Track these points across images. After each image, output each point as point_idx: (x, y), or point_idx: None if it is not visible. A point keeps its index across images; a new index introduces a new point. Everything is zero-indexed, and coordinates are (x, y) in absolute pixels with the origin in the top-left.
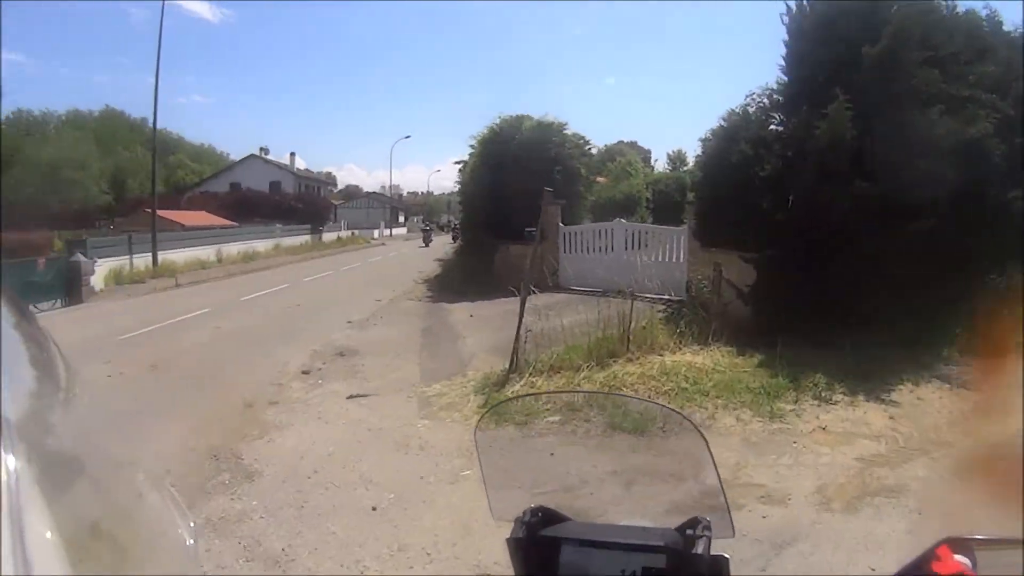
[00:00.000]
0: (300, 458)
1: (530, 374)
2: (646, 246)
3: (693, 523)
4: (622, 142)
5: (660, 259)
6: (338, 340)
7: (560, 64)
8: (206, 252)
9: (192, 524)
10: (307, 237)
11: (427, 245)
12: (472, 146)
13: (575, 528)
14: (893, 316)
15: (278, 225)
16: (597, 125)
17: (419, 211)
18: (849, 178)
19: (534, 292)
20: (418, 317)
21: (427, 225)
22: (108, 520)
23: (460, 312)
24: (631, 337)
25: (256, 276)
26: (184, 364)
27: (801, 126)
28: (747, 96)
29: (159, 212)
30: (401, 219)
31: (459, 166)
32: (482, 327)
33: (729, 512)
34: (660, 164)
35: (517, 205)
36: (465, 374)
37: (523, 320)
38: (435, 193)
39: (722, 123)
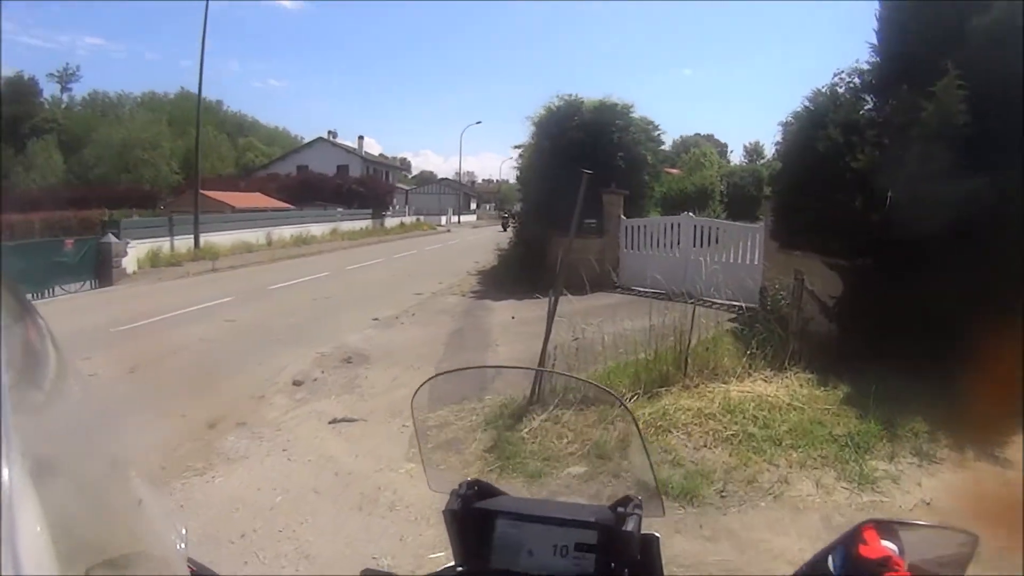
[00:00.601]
0: (234, 510)
1: (556, 405)
2: (717, 244)
3: (624, 501)
4: (698, 135)
5: (731, 260)
6: (352, 342)
7: (636, 53)
8: (255, 235)
9: (184, 531)
10: (368, 222)
11: (504, 230)
12: (533, 127)
13: (509, 502)
14: (1010, 343)
15: (339, 209)
16: (672, 117)
17: (491, 198)
18: (960, 171)
19: (565, 295)
20: (453, 317)
21: (505, 213)
22: (99, 520)
23: (502, 312)
24: (689, 359)
25: (300, 262)
26: (168, 366)
27: (900, 108)
28: (834, 75)
29: (208, 193)
30: (473, 206)
31: (518, 150)
32: (521, 333)
33: (660, 493)
34: (736, 157)
35: (574, 194)
36: (482, 398)
37: (550, 335)
38: (510, 181)
39: (807, 105)
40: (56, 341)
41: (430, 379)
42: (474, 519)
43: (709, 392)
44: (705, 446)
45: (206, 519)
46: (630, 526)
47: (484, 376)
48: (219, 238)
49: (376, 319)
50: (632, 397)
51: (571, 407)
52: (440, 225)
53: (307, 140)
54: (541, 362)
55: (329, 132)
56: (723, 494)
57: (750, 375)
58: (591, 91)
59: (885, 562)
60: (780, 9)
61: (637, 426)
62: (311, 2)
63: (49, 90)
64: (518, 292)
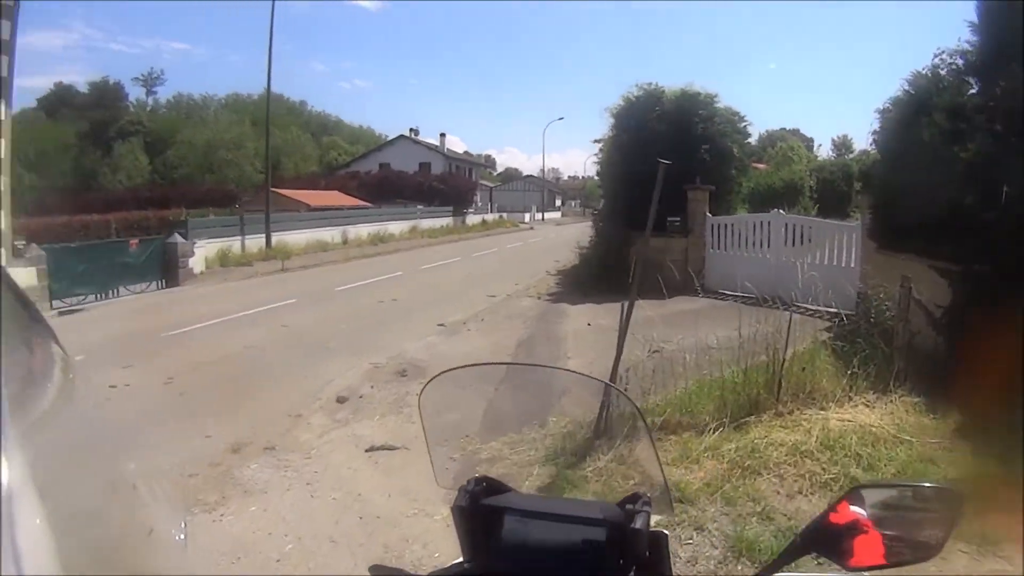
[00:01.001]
0: (235, 559)
1: (626, 435)
2: (809, 243)
3: (634, 498)
4: (783, 130)
5: (825, 261)
6: (411, 351)
7: (720, 48)
8: (331, 234)
9: (184, 524)
10: (448, 220)
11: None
12: (612, 119)
13: (517, 499)
14: None
15: (419, 207)
16: (757, 112)
17: (575, 195)
18: None
19: (641, 302)
20: (525, 323)
21: (595, 210)
22: (101, 514)
23: (578, 318)
24: (782, 381)
25: (374, 261)
26: (207, 377)
27: (1011, 92)
28: (935, 56)
29: (284, 192)
30: (557, 203)
31: (598, 144)
32: (596, 343)
33: (668, 490)
34: (823, 151)
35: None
36: (545, 422)
37: (623, 350)
38: (594, 177)
39: (907, 89)
40: (67, 360)
41: (436, 376)
42: (482, 516)
43: (805, 421)
44: (800, 492)
45: (201, 567)
46: (639, 523)
47: (548, 393)
48: (293, 237)
49: (442, 325)
50: (717, 428)
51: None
52: (523, 222)
53: (390, 138)
54: (612, 379)
55: (411, 130)
56: (819, 561)
57: (850, 399)
58: (673, 83)
59: (854, 525)
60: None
61: (644, 421)
62: (391, 2)
63: (134, 94)
64: (597, 294)
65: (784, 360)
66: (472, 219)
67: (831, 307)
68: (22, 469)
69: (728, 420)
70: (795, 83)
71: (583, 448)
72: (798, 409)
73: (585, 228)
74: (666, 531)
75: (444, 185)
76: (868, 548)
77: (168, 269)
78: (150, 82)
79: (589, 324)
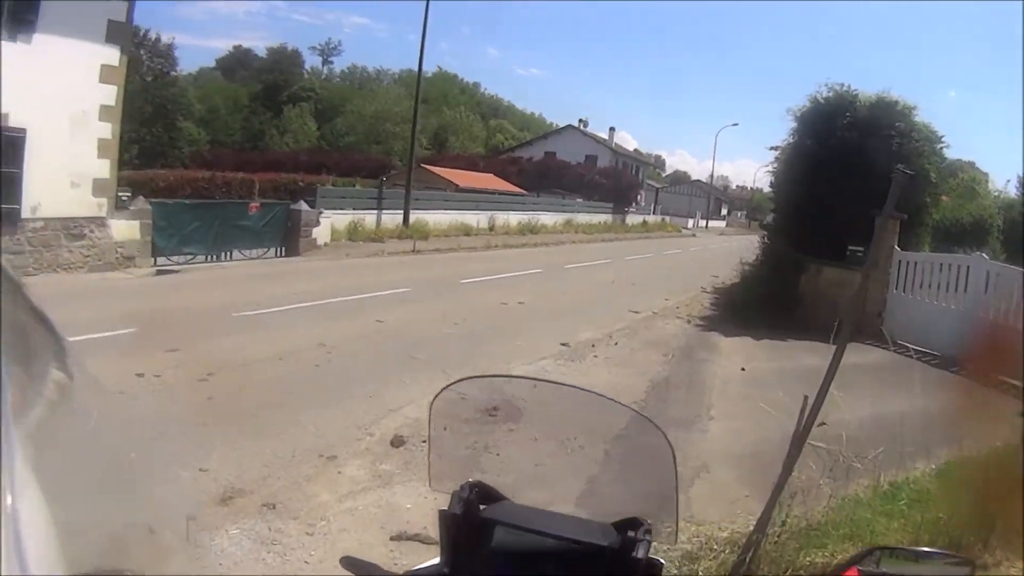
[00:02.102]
0: None
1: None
2: (1010, 297)
3: (634, 524)
4: (960, 160)
5: None
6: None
7: (901, 69)
8: (477, 218)
9: (189, 521)
10: (607, 216)
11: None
12: (795, 122)
13: (512, 510)
14: None
15: (578, 199)
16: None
17: (742, 206)
18: None
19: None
20: (665, 355)
21: (763, 223)
22: (105, 511)
23: (731, 356)
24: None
25: (517, 253)
26: (255, 379)
27: None
28: None
29: (434, 169)
30: (723, 211)
31: (775, 151)
32: (748, 398)
33: (677, 521)
34: (1011, 188)
35: (838, 211)
36: (660, 524)
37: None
38: (763, 190)
39: None
40: (54, 328)
41: (450, 385)
42: (473, 525)
43: None
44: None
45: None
46: (639, 553)
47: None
48: (435, 217)
49: (565, 344)
50: None
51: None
52: (685, 228)
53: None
54: (780, 487)
55: (580, 120)
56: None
57: None
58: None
59: None
60: None
61: (673, 454)
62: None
63: (311, 62)
64: (757, 327)
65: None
66: (633, 219)
67: None
68: (24, 466)
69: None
70: (973, 114)
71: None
72: (1010, 559)
73: (750, 242)
74: (663, 560)
75: (607, 180)
76: None
77: (289, 237)
78: (327, 52)
79: (743, 369)
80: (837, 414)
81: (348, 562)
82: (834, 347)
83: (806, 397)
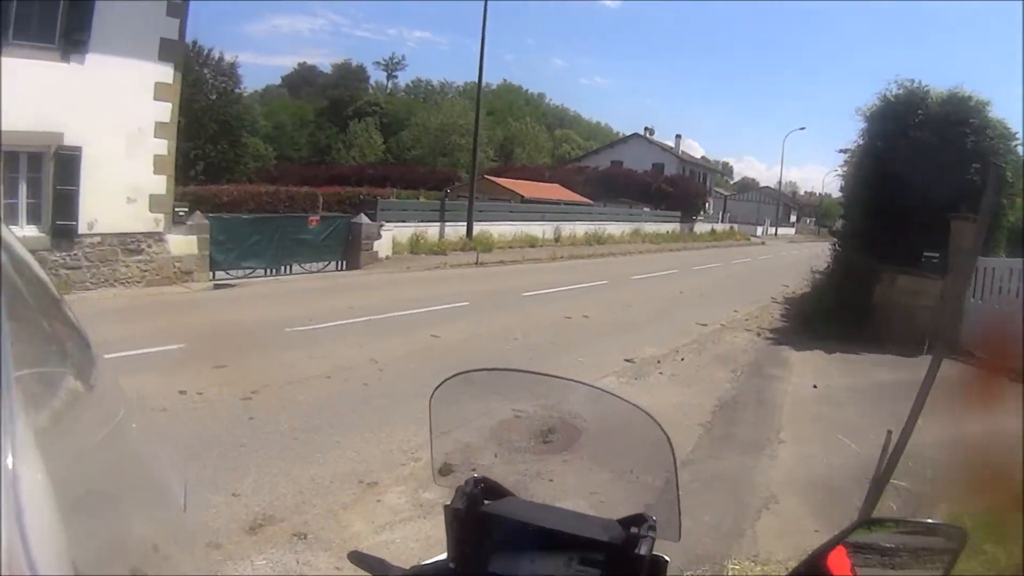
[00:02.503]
0: None
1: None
2: None
3: (638, 520)
4: None
5: None
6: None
7: (970, 63)
8: (543, 229)
9: (184, 488)
10: (674, 226)
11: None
12: (864, 123)
13: (516, 506)
14: None
15: (645, 209)
16: None
17: (811, 212)
18: None
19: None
20: (733, 372)
21: (833, 230)
22: (104, 479)
23: (802, 372)
24: None
25: (583, 264)
26: (301, 398)
27: None
28: None
29: (498, 180)
30: (792, 218)
31: (844, 154)
32: (821, 419)
33: (679, 516)
34: None
35: (912, 215)
36: (724, 570)
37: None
38: (832, 195)
39: None
40: (80, 327)
41: (451, 377)
42: (476, 520)
43: None
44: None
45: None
46: (642, 549)
47: (737, 503)
48: (499, 228)
49: (630, 360)
50: None
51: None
52: (754, 236)
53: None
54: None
55: (646, 128)
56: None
57: None
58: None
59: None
60: None
61: (671, 448)
62: (633, 2)
63: (375, 77)
64: (829, 339)
65: None
66: (701, 227)
67: None
68: (31, 454)
69: None
70: None
71: None
72: None
73: (820, 249)
74: (667, 558)
75: (674, 188)
76: None
77: (350, 250)
78: (391, 67)
79: (815, 387)
80: (916, 436)
81: (356, 557)
82: (915, 361)
83: (889, 432)
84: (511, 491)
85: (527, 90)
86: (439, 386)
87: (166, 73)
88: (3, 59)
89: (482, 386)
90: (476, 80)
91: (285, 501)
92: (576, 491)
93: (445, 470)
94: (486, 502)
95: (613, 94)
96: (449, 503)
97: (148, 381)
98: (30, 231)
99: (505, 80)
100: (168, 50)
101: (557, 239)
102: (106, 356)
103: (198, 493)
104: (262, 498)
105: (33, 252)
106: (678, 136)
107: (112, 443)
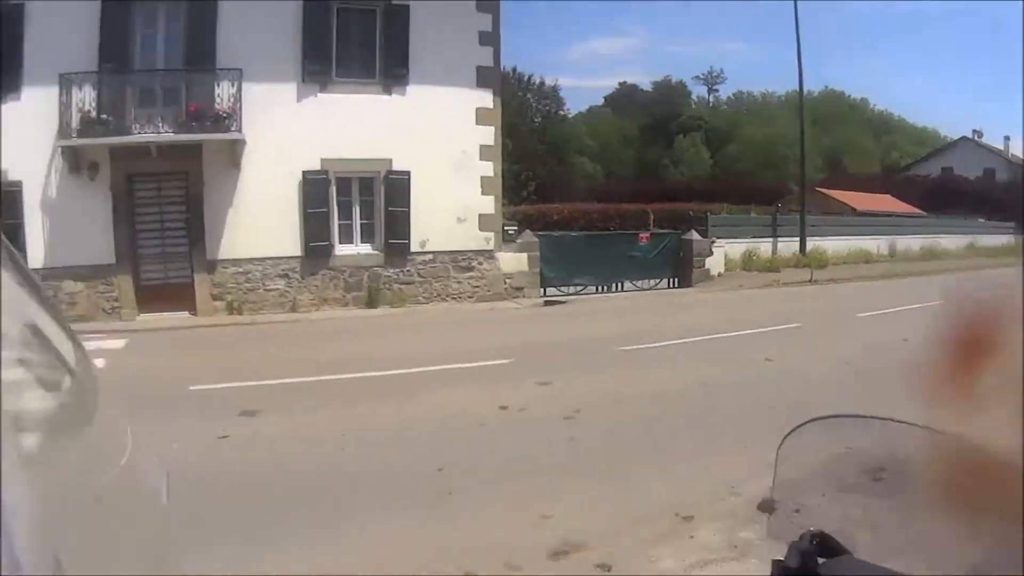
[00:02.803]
0: None
1: None
2: None
3: None
4: None
5: None
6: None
7: None
8: (876, 243)
9: (166, 479)
10: (1010, 238)
11: None
12: None
13: (854, 566)
14: None
15: (980, 219)
16: None
17: None
18: None
19: None
20: None
21: None
22: (86, 475)
23: None
24: None
25: (916, 282)
26: (624, 419)
27: None
28: None
29: (829, 192)
30: None
31: None
32: None
33: None
34: None
35: None
36: None
37: None
38: None
39: None
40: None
41: (806, 423)
42: None
43: None
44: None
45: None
46: None
47: None
48: (832, 243)
49: None
50: None
51: None
52: None
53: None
54: None
55: (974, 131)
56: None
57: None
58: None
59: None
60: None
61: None
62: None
63: (697, 92)
64: None
65: None
66: None
67: None
68: (14, 454)
69: None
70: None
71: None
72: None
73: None
74: None
75: (1009, 196)
76: None
77: (681, 267)
78: (711, 80)
79: None
80: None
81: None
82: None
83: None
84: (848, 548)
85: (848, 95)
86: (791, 432)
87: (485, 99)
88: (330, 95)
89: (841, 432)
90: (797, 89)
91: (595, 528)
92: (910, 544)
93: (765, 505)
94: (820, 560)
95: (936, 94)
96: (781, 559)
97: (472, 395)
98: (364, 248)
99: (827, 87)
100: (485, 77)
101: (892, 254)
102: (419, 369)
103: (504, 513)
104: (572, 523)
105: (368, 268)
106: (1006, 138)
107: (93, 440)
